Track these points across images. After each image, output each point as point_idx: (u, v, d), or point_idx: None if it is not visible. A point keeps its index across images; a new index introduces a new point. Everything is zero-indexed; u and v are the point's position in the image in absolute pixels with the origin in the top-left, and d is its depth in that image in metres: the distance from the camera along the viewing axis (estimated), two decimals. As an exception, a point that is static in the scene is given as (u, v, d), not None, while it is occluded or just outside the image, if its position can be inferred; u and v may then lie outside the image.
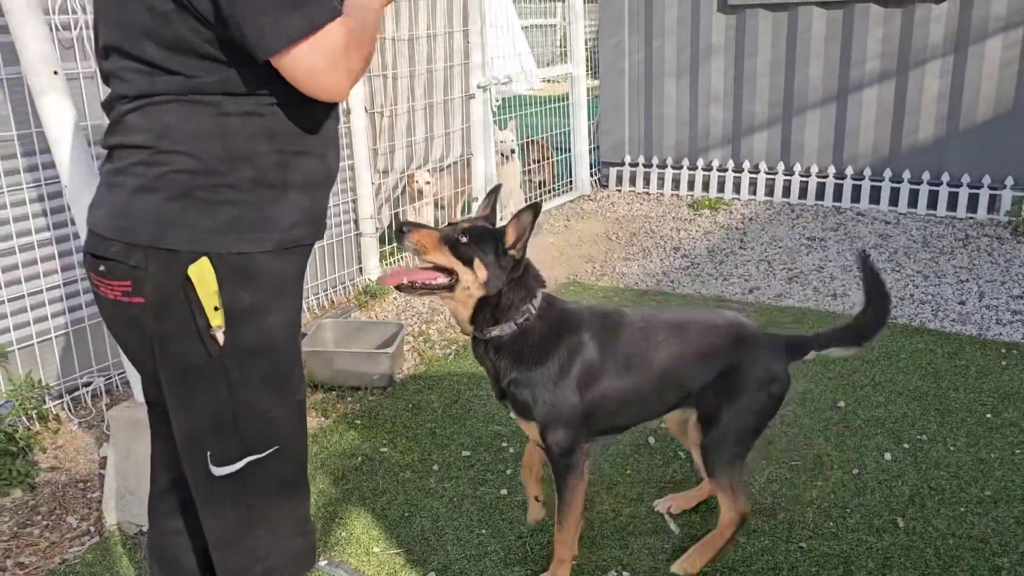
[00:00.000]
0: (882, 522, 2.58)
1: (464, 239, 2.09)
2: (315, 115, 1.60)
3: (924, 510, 2.63)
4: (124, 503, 2.78)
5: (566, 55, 7.10)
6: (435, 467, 3.02)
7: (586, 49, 7.17)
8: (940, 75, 5.70)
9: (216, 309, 1.52)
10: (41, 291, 3.40)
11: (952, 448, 2.96)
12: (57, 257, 3.44)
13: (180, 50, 1.45)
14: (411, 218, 5.42)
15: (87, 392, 3.56)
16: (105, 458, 3.05)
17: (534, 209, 2.07)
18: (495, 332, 2.16)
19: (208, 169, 1.50)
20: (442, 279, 2.10)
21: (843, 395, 3.38)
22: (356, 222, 4.90)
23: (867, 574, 2.36)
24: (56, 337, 3.48)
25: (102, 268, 1.54)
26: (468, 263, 2.08)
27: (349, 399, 3.62)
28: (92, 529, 2.79)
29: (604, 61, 7.13)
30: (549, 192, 6.92)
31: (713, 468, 2.31)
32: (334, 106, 1.66)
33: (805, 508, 2.67)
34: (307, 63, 1.43)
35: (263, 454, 1.64)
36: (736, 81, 6.50)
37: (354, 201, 4.86)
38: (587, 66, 7.19)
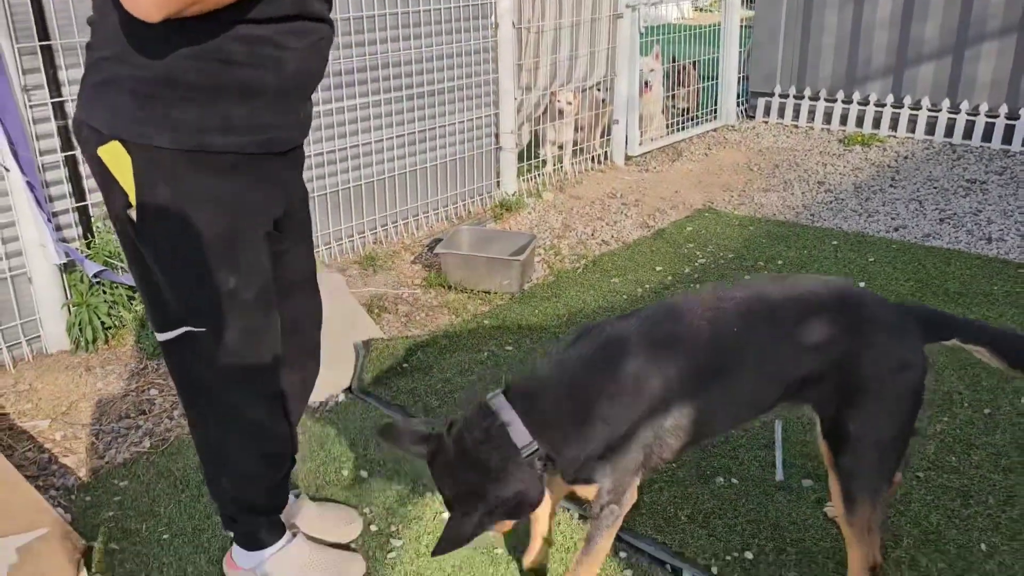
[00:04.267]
0: (1009, 462, 2.50)
1: None
2: (252, 25, 1.56)
3: (1058, 455, 2.53)
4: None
5: (722, -22, 6.83)
6: (556, 368, 3.14)
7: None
8: None
9: (133, 189, 1.61)
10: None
11: (1100, 399, 2.81)
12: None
13: None
14: (550, 137, 5.47)
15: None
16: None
17: None
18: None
19: (128, 61, 1.54)
20: None
21: (984, 337, 3.24)
22: (497, 136, 5.00)
23: (986, 508, 2.31)
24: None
25: (76, 138, 1.69)
26: None
27: (480, 301, 3.79)
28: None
29: (762, -13, 6.83)
30: (693, 120, 6.77)
31: (853, 502, 1.81)
32: (292, 21, 1.61)
33: (927, 441, 2.61)
34: None
35: (195, 329, 1.74)
36: (906, 9, 6.08)
37: (496, 115, 4.95)
38: (743, -10, 6.90)
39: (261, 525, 2.05)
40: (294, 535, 2.12)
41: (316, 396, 2.92)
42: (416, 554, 2.21)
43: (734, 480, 2.47)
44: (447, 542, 1.69)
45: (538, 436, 1.72)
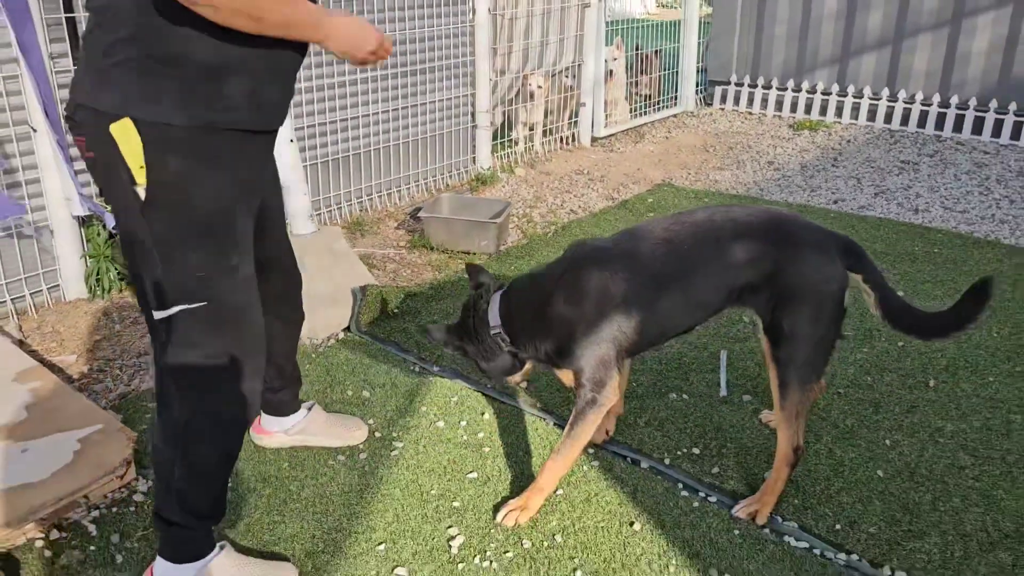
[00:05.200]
0: (915, 382, 2.96)
1: None
2: None
3: (955, 376, 2.99)
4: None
5: (682, -28, 7.29)
6: (531, 312, 3.55)
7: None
8: (1060, 4, 5.68)
9: (141, 168, 1.66)
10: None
11: (996, 335, 3.28)
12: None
13: None
14: (522, 118, 5.87)
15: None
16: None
17: None
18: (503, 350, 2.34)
19: (142, 42, 1.61)
20: None
21: (903, 288, 3.71)
22: (473, 115, 5.38)
23: (892, 415, 2.76)
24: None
25: (69, 125, 1.74)
26: None
27: (460, 260, 4.17)
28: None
29: (719, -20, 7.30)
30: (656, 105, 7.21)
31: (785, 387, 2.17)
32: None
33: (848, 366, 3.06)
34: None
35: (192, 305, 1.79)
36: (850, 4, 6.58)
37: (472, 95, 5.33)
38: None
39: (196, 534, 1.99)
40: (221, 548, 2.05)
41: (320, 333, 3.31)
42: (415, 452, 2.59)
43: (685, 396, 2.90)
44: (430, 332, 2.49)
45: (503, 323, 2.31)
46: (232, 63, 1.68)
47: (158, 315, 1.80)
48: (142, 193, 1.68)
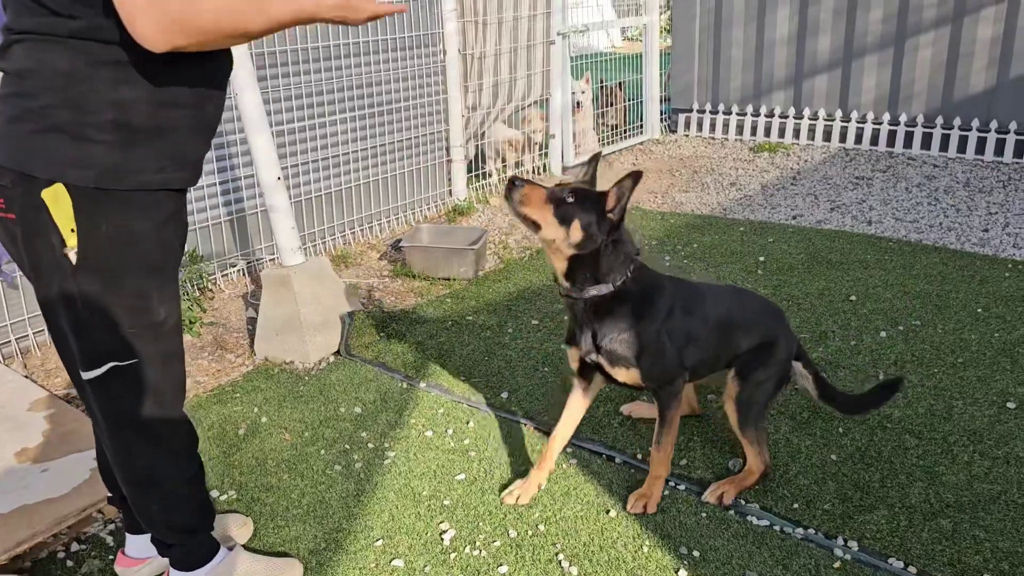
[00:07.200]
0: (865, 376, 3.21)
1: (570, 199, 2.22)
2: (191, 68, 1.70)
3: (902, 369, 3.24)
4: (270, 342, 3.60)
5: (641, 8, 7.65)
6: (510, 329, 3.77)
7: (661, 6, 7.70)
8: (994, 20, 6.05)
9: (72, 231, 1.66)
10: (202, 187, 4.27)
11: (940, 331, 3.54)
12: (215, 161, 4.29)
13: None
14: (504, 154, 6.15)
15: (233, 271, 4.44)
16: (253, 318, 3.91)
17: (635, 177, 2.20)
18: (593, 292, 2.32)
19: (74, 108, 1.61)
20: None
21: (856, 292, 3.98)
22: (448, 149, 5.64)
23: (845, 406, 3.00)
24: (212, 225, 4.36)
25: None
26: (566, 223, 2.21)
27: (440, 286, 4.40)
28: (246, 362, 3.64)
29: (677, 8, 7.68)
30: (623, 134, 7.53)
31: (745, 422, 2.53)
32: (219, 60, 1.78)
33: (805, 365, 3.31)
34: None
35: (123, 363, 1.81)
36: (800, 28, 6.96)
37: (446, 131, 5.60)
38: (661, 17, 7.71)
39: (196, 545, 2.09)
40: (230, 548, 2.18)
41: (312, 357, 3.51)
42: (406, 459, 2.79)
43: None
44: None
45: (622, 281, 2.38)
46: (164, 125, 1.71)
47: (88, 375, 1.82)
48: (73, 256, 1.69)
